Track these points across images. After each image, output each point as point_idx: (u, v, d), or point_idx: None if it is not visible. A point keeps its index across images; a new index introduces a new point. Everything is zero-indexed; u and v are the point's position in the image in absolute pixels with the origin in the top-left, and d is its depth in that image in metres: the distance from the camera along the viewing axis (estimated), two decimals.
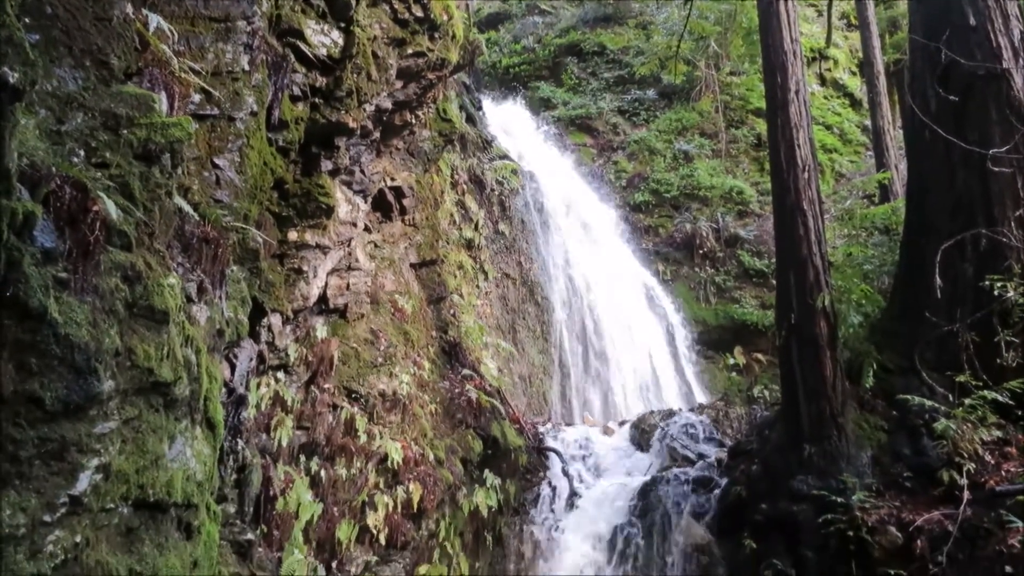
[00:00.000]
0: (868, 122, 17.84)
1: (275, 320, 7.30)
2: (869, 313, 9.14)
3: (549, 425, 11.64)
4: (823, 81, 22.19)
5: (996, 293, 7.77)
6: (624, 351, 14.36)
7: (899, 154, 14.63)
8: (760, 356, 15.19)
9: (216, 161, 5.97)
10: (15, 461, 3.20)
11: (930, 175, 8.78)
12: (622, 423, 11.78)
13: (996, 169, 7.87)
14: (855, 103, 22.01)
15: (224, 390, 5.49)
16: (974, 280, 8.15)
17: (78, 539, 3.40)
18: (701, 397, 13.80)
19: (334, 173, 8.23)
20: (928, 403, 7.83)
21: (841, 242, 13.38)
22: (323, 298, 8.20)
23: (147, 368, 3.93)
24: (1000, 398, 7.59)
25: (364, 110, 8.17)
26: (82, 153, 4.07)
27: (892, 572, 7.11)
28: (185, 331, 4.45)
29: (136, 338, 3.92)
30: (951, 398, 7.81)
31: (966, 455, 7.54)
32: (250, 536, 5.56)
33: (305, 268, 7.70)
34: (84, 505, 3.46)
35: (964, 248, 8.24)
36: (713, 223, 17.20)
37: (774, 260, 11.09)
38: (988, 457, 7.61)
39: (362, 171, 9.00)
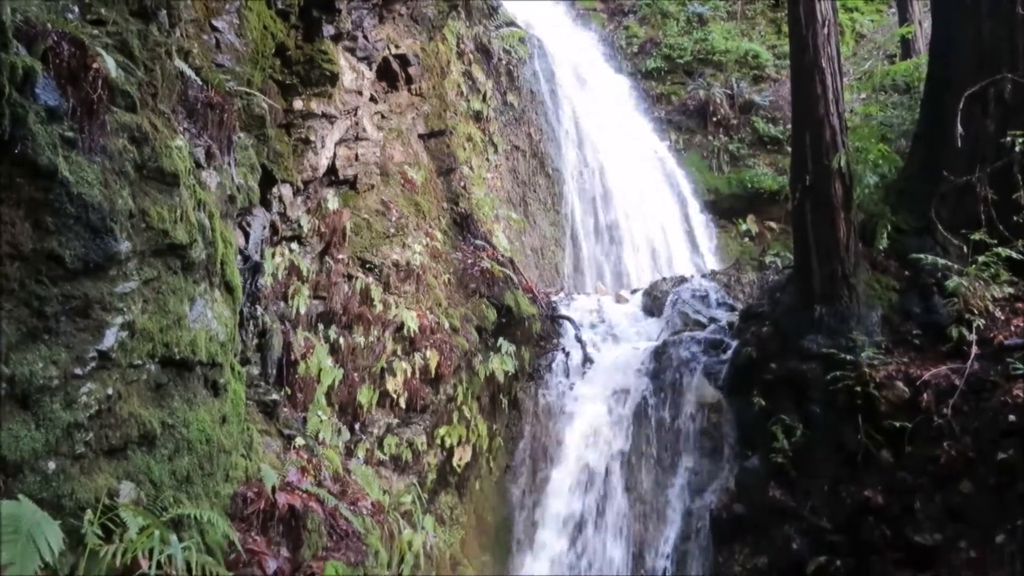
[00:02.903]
0: None
1: (286, 191, 7.28)
2: (886, 174, 8.99)
3: (562, 295, 11.77)
4: None
5: (1017, 149, 7.61)
6: (636, 221, 14.30)
7: (924, 10, 13.97)
8: (773, 224, 15.09)
9: (215, 23, 5.79)
10: (42, 316, 3.28)
11: (955, 27, 8.43)
12: (634, 291, 11.88)
13: None
14: None
15: (239, 257, 5.54)
16: (995, 136, 7.96)
17: (110, 391, 3.53)
18: (713, 265, 13.83)
19: (336, 39, 7.97)
20: (941, 262, 7.82)
21: (859, 105, 13.03)
22: (332, 169, 8.13)
23: (162, 230, 3.96)
24: (1014, 255, 7.56)
25: None
26: (76, 9, 3.95)
27: (897, 424, 7.32)
28: (196, 195, 4.45)
29: (148, 200, 3.92)
30: (965, 250, 7.78)
31: (976, 312, 7.59)
32: (275, 397, 5.76)
33: (312, 138, 7.59)
34: (113, 360, 3.57)
35: (987, 103, 8.01)
36: (727, 89, 16.70)
37: (789, 126, 10.83)
38: (998, 313, 7.67)
39: (365, 37, 8.71)
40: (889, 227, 8.38)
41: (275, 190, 7.05)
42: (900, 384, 7.46)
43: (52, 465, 3.21)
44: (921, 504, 7.08)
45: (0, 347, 3.09)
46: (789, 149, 9.97)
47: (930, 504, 7.07)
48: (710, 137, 16.33)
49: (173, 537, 3.26)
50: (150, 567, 3.10)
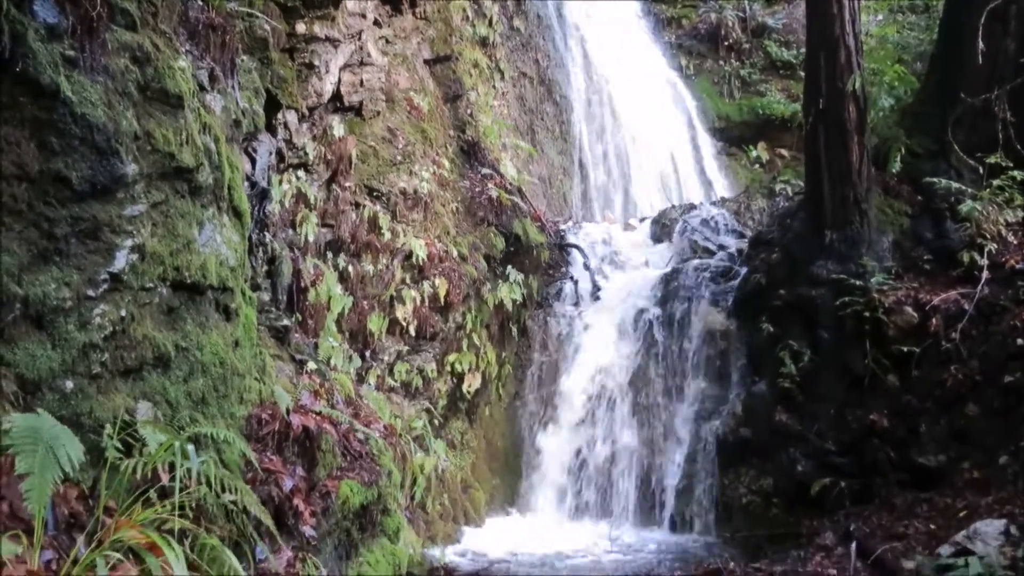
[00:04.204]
0: None
1: (291, 117, 7.19)
2: (901, 96, 8.83)
3: (570, 223, 11.69)
4: None
5: None
6: (645, 149, 14.11)
7: None
8: (784, 151, 14.90)
9: None
10: (52, 238, 3.28)
11: None
12: (643, 219, 11.81)
13: None
14: None
15: (246, 183, 5.49)
16: (1016, 56, 7.78)
17: (123, 313, 3.55)
18: (723, 193, 13.67)
19: None
20: (955, 185, 7.73)
21: (876, 27, 12.69)
22: (337, 95, 8.01)
23: (168, 152, 3.91)
24: None
25: None
26: None
27: (905, 349, 7.36)
28: (202, 118, 4.39)
29: (153, 122, 3.87)
30: (981, 172, 7.67)
31: (989, 236, 7.54)
32: (286, 322, 5.79)
33: (316, 63, 7.46)
34: (124, 282, 3.58)
35: (1008, 21, 7.79)
36: (740, 12, 16.27)
37: (803, 50, 10.58)
38: (1011, 238, 7.63)
39: None
40: (903, 150, 8.26)
41: (280, 116, 6.97)
42: (909, 309, 7.47)
43: (70, 384, 3.25)
44: (926, 427, 7.17)
45: (13, 268, 3.10)
46: (802, 74, 9.76)
47: (935, 427, 7.16)
48: (721, 62, 15.97)
49: (191, 448, 3.32)
50: (171, 480, 3.18)
